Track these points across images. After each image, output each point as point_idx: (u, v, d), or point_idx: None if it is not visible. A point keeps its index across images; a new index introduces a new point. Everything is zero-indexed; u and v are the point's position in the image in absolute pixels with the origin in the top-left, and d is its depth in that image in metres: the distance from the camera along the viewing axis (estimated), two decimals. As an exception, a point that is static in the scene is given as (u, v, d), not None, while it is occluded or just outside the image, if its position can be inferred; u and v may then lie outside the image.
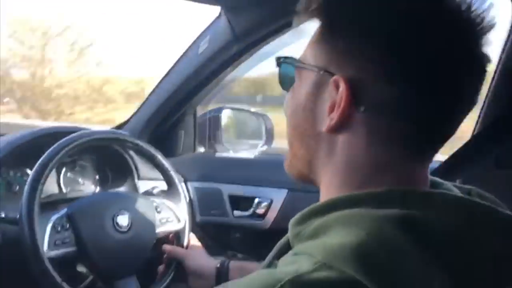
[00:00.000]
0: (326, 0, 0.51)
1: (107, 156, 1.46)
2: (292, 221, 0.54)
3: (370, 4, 0.49)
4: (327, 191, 0.54)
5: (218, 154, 1.60)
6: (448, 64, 0.48)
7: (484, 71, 0.50)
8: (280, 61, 0.60)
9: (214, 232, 1.50)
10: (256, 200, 1.42)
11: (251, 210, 1.43)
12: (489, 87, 0.97)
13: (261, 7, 1.14)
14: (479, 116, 0.99)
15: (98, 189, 1.46)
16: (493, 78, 0.96)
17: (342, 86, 0.49)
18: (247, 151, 1.67)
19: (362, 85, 0.48)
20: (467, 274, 0.45)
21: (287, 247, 0.60)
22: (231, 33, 1.21)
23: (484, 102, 0.98)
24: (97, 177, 1.48)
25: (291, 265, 0.47)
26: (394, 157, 0.50)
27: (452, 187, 0.55)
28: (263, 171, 1.45)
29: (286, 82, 0.59)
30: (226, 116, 1.67)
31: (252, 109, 1.73)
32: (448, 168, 0.89)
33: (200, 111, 1.66)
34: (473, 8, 0.48)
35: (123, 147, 1.40)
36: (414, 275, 0.42)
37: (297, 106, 0.55)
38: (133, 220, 1.17)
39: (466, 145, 0.89)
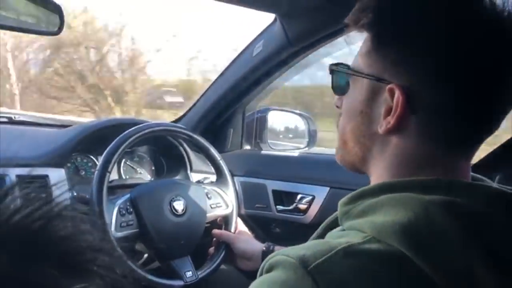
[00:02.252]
0: (378, 16, 0.56)
1: (163, 148, 1.59)
2: (341, 201, 0.60)
3: (417, 18, 0.55)
4: (378, 180, 0.60)
5: (263, 152, 1.70)
6: (489, 70, 0.53)
7: None
8: (334, 69, 0.65)
9: (257, 225, 1.60)
10: (299, 196, 1.51)
11: (294, 205, 1.51)
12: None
13: (314, 14, 1.23)
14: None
15: (154, 178, 1.59)
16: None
17: (398, 93, 0.54)
18: (291, 151, 1.77)
19: (415, 91, 0.54)
20: (505, 258, 0.49)
21: (334, 225, 0.67)
22: (285, 38, 1.31)
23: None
24: (153, 167, 1.61)
25: (341, 238, 0.54)
26: (440, 153, 0.56)
27: (493, 184, 0.60)
28: (307, 168, 1.53)
29: (339, 88, 0.64)
30: (272, 116, 1.78)
31: (297, 111, 1.83)
32: (485, 166, 0.95)
33: (248, 111, 1.77)
34: (509, 9, 0.53)
35: (178, 140, 1.53)
36: (455, 253, 0.48)
37: (353, 110, 0.61)
38: (187, 205, 1.28)
39: (504, 145, 0.94)
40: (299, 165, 1.57)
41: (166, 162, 1.61)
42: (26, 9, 1.03)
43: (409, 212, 0.50)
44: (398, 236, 0.48)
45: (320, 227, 0.74)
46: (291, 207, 1.53)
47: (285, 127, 1.90)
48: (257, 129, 1.75)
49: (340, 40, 1.29)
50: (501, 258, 0.49)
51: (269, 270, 0.52)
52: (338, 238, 0.54)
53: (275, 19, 1.36)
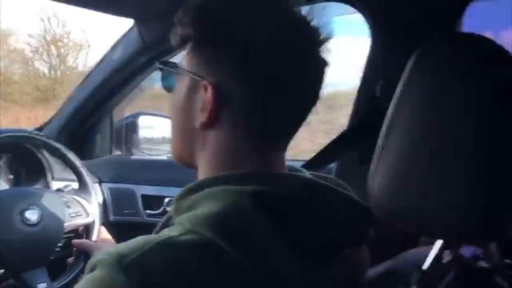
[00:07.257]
0: (196, 16, 0.59)
1: (21, 156, 1.50)
2: (173, 199, 0.62)
3: (229, 23, 0.59)
4: (203, 175, 0.63)
5: (132, 157, 1.69)
6: (291, 69, 0.59)
7: (321, 73, 0.61)
8: (160, 67, 0.67)
9: (127, 231, 1.57)
10: (166, 199, 1.52)
11: (162, 208, 1.52)
12: (357, 95, 1.13)
13: (168, 19, 1.25)
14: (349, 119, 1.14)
15: (11, 187, 1.50)
16: (359, 87, 1.12)
17: (209, 90, 0.57)
18: (164, 155, 1.77)
19: (226, 88, 0.57)
20: (305, 237, 0.55)
21: (169, 221, 0.68)
22: (141, 42, 1.32)
23: (353, 106, 1.14)
24: (11, 176, 1.52)
25: (165, 232, 0.55)
26: (254, 146, 0.61)
27: (307, 173, 0.66)
28: (174, 171, 1.53)
29: (167, 85, 0.67)
30: (143, 121, 1.77)
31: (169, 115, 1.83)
32: (317, 162, 1.02)
33: (118, 117, 1.74)
34: (312, 24, 0.60)
35: (35, 146, 1.46)
36: (261, 237, 0.52)
37: (176, 106, 0.63)
38: (42, 214, 1.23)
39: (333, 142, 1.03)
40: (166, 169, 1.58)
41: (25, 171, 1.53)
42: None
43: (221, 202, 0.53)
44: (209, 225, 0.51)
45: (157, 225, 0.75)
46: (159, 211, 1.53)
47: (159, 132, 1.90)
48: (128, 134, 1.73)
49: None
50: (302, 239, 0.54)
51: (92, 269, 0.52)
52: (164, 233, 0.55)
53: (133, 24, 1.36)
